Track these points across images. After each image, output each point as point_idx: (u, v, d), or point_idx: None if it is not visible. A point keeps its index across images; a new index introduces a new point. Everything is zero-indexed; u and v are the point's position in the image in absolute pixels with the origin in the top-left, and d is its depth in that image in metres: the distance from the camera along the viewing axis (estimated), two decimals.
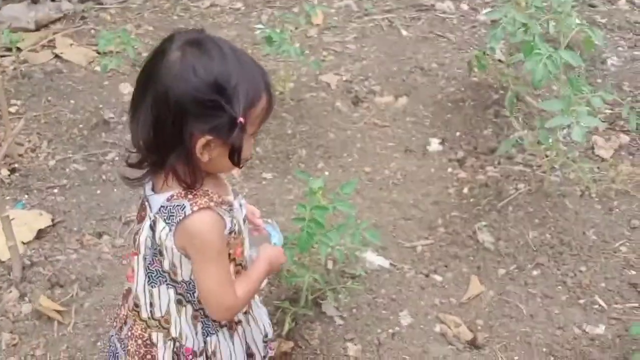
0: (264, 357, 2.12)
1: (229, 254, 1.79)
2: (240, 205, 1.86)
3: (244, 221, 1.87)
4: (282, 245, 2.35)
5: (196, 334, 1.89)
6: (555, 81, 3.21)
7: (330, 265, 2.99)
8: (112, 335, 2.03)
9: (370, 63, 4.53)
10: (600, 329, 2.84)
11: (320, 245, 2.49)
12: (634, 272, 3.09)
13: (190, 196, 1.68)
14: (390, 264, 3.14)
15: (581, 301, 2.96)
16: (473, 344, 2.81)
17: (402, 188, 3.59)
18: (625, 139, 3.86)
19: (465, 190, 3.50)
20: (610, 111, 4.02)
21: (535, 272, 3.07)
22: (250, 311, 2.05)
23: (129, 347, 1.90)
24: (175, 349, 1.88)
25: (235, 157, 1.65)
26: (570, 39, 3.20)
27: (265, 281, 2.09)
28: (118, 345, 1.97)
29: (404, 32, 4.89)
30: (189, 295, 1.82)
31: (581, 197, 3.43)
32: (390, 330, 2.81)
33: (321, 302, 2.85)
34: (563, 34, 3.12)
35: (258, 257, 1.96)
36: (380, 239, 3.21)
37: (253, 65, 1.67)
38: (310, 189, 2.49)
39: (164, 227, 1.69)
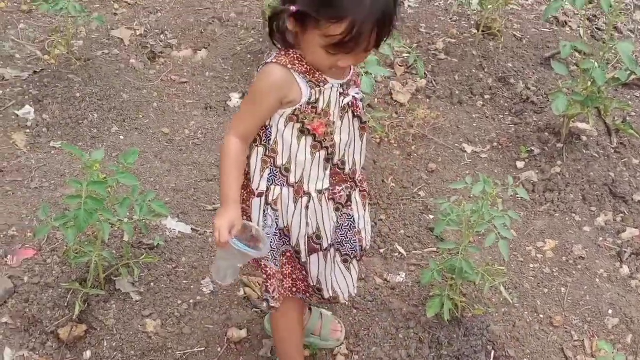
0: (329, 247, 2.14)
1: (304, 124, 1.95)
2: (342, 93, 1.96)
3: (340, 107, 1.97)
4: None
5: (261, 177, 2.04)
6: None
7: (126, 238, 2.83)
8: None
9: (166, 15, 4.32)
10: (401, 277, 2.88)
11: (102, 224, 2.33)
12: (431, 217, 3.16)
13: (282, 53, 1.90)
14: (192, 229, 3.03)
15: (382, 250, 2.99)
16: None
17: (202, 148, 3.46)
18: (421, 82, 3.91)
19: None
20: (407, 55, 4.06)
21: None
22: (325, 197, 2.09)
23: None
24: None
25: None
26: None
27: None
28: None
29: None
30: (263, 137, 2.01)
31: (379, 145, 3.46)
32: (192, 301, 2.71)
33: (115, 279, 2.69)
34: None
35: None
36: (180, 204, 3.12)
37: None
38: (85, 164, 2.31)
39: None
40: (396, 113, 3.70)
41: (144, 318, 2.62)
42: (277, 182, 2.04)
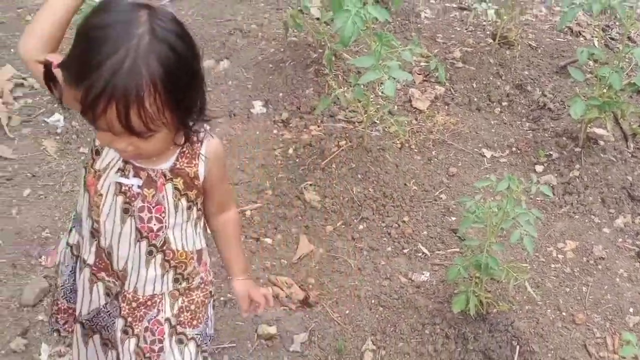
0: (76, 319, 1.91)
1: (85, 174, 1.70)
2: (120, 169, 1.64)
3: (111, 183, 1.65)
4: None
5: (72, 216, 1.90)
6: (369, 37, 3.24)
7: None
8: None
9: (189, 27, 4.37)
10: (425, 276, 2.95)
11: None
12: (453, 218, 3.22)
13: None
14: None
15: (405, 250, 3.06)
16: (305, 303, 2.83)
17: (228, 153, 3.54)
18: (440, 89, 3.99)
19: (291, 151, 3.50)
20: (425, 64, 4.15)
21: (361, 226, 3.14)
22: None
23: None
24: None
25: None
26: None
27: None
28: None
29: None
30: None
31: (401, 150, 3.53)
32: (223, 298, 2.78)
33: None
34: None
35: None
36: None
37: (123, 60, 1.36)
38: None
39: None
40: (416, 119, 3.78)
41: None
42: (77, 227, 1.85)
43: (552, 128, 3.77)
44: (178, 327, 1.82)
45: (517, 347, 2.64)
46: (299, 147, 3.51)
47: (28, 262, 2.89)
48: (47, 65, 1.51)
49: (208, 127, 1.67)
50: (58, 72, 1.50)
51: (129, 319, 1.79)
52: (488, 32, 4.54)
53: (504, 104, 3.96)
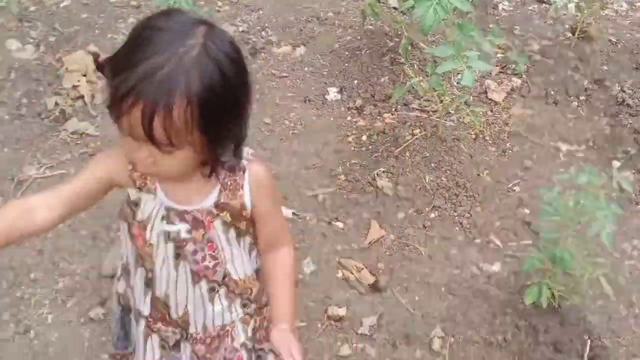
0: None
1: (130, 226, 1.65)
2: (165, 217, 1.59)
3: (159, 232, 1.61)
4: None
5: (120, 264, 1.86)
6: (447, 27, 3.23)
7: None
8: None
9: (267, 13, 4.47)
10: (496, 267, 2.94)
11: None
12: (527, 211, 3.20)
13: None
14: (293, 213, 3.15)
15: (477, 241, 3.05)
16: (375, 287, 2.86)
17: (302, 138, 3.59)
18: (516, 82, 3.95)
19: (364, 137, 3.53)
20: (502, 55, 4.12)
21: (432, 215, 3.14)
22: None
23: None
24: None
25: None
26: None
27: None
28: None
29: None
30: None
31: (475, 140, 3.52)
32: None
33: None
34: None
35: None
36: (281, 190, 3.23)
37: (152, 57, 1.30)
38: None
39: None
40: (491, 111, 3.75)
41: None
42: (124, 276, 1.81)
43: (630, 124, 3.69)
44: (256, 345, 1.81)
45: (589, 341, 2.62)
46: (373, 134, 3.53)
47: (107, 235, 2.99)
48: (96, 57, 1.46)
49: (251, 152, 1.60)
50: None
51: (207, 355, 1.76)
52: (567, 26, 4.47)
53: (582, 98, 3.90)
